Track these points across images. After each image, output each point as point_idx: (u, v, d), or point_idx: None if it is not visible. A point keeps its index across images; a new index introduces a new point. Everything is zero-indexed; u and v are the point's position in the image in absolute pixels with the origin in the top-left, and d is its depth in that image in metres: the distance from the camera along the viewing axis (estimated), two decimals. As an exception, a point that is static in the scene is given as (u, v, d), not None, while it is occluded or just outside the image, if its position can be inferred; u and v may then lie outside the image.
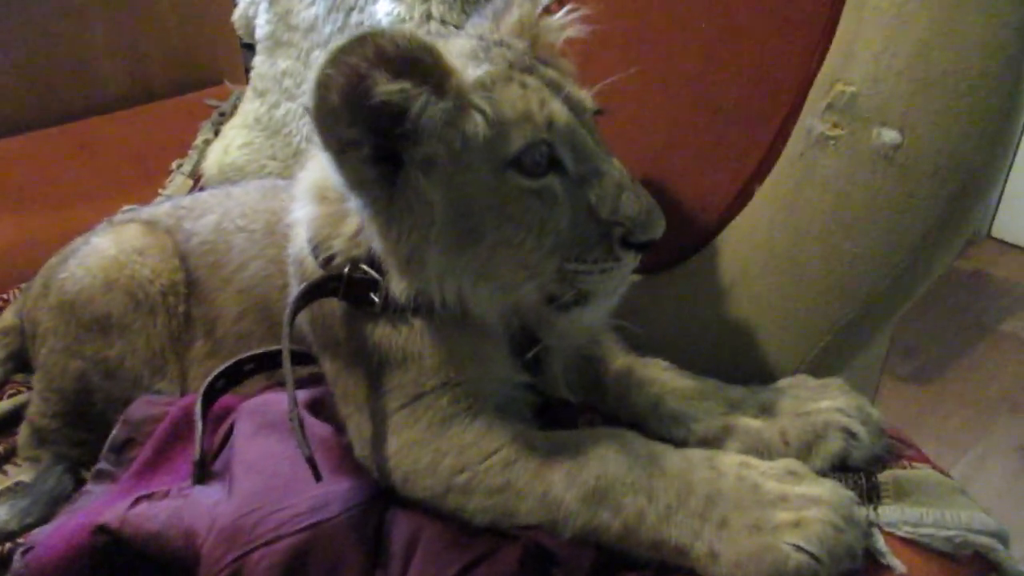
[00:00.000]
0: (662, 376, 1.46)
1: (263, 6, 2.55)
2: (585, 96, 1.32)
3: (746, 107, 1.54)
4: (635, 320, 1.59)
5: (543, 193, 1.24)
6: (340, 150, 1.16)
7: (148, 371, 1.73)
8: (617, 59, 1.64)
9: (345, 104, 1.11)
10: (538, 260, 1.27)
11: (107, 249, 1.76)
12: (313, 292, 1.35)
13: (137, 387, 1.72)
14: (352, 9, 2.19)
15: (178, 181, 2.64)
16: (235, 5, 2.71)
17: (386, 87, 1.11)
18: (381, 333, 1.35)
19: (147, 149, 2.68)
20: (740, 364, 1.52)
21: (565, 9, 1.43)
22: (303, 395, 1.47)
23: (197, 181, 2.65)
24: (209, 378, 1.50)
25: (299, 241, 1.45)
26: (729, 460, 1.23)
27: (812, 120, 1.42)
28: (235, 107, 2.76)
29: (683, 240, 1.62)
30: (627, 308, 1.50)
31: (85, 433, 1.76)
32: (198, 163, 2.66)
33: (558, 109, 1.24)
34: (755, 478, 1.19)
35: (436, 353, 1.33)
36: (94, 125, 2.70)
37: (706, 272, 1.58)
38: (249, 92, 2.62)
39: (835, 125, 1.39)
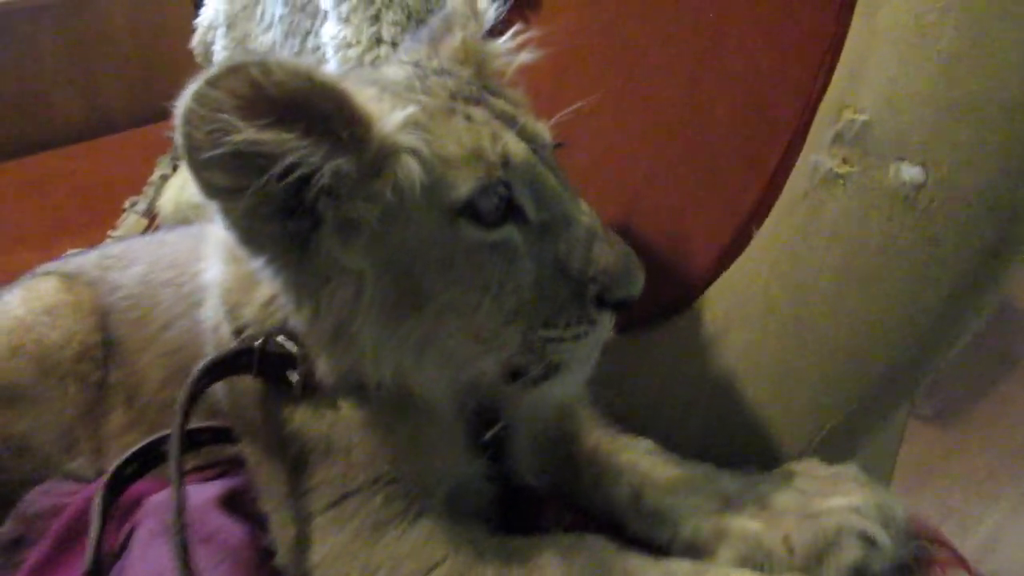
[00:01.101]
0: (643, 462, 1.23)
1: (220, 31, 2.36)
2: (542, 129, 1.12)
3: (740, 137, 1.32)
4: (614, 384, 1.36)
5: (501, 246, 1.02)
6: (220, 198, 0.95)
7: (58, 449, 1.51)
8: (587, 83, 1.43)
9: (212, 146, 0.90)
10: (497, 328, 1.04)
11: (14, 309, 1.55)
12: (218, 369, 1.13)
13: (47, 467, 1.50)
14: (308, 33, 1.99)
15: (131, 221, 2.44)
16: (194, 30, 2.53)
17: (248, 135, 0.89)
18: (302, 418, 1.13)
19: (99, 186, 2.48)
20: (735, 443, 1.29)
21: (512, 31, 1.21)
22: (217, 487, 1.25)
23: (152, 220, 2.45)
24: (117, 461, 1.28)
25: (211, 306, 1.23)
26: (724, 574, 0.99)
27: (818, 154, 1.20)
28: (196, 140, 2.56)
29: (667, 293, 1.40)
30: (604, 372, 1.27)
31: (-2, 523, 1.54)
32: (154, 201, 2.46)
33: (514, 144, 1.03)
34: None
35: (366, 443, 1.11)
36: (41, 161, 2.51)
37: (694, 331, 1.35)
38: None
39: (845, 160, 1.16)
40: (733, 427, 1.29)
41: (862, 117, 1.14)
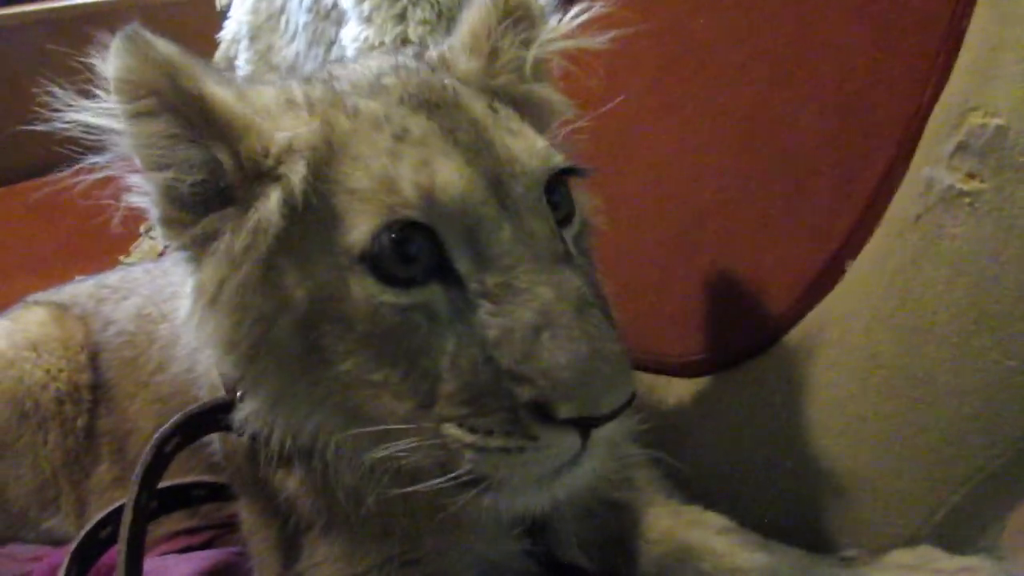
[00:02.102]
0: (717, 544, 1.01)
1: (243, 44, 2.22)
2: (525, 151, 0.84)
3: (830, 150, 1.11)
4: (677, 441, 1.15)
5: (415, 312, 0.79)
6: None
7: (36, 503, 1.34)
8: (644, 87, 1.22)
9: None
10: (409, 413, 0.80)
11: (-4, 341, 1.39)
12: (192, 426, 0.94)
13: (22, 524, 1.33)
14: (332, 43, 1.83)
15: (145, 246, 2.29)
16: (218, 44, 2.39)
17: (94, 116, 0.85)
18: (296, 484, 0.93)
19: (113, 210, 2.32)
20: (828, 520, 1.07)
21: (574, 11, 0.99)
22: (199, 560, 1.04)
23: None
24: (89, 524, 1.09)
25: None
26: None
27: (934, 169, 0.99)
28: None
29: (740, 335, 1.19)
30: (667, 425, 1.06)
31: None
32: (169, 226, 2.30)
33: (448, 176, 0.78)
34: None
35: (375, 518, 0.91)
36: (53, 183, 2.36)
37: (776, 380, 1.14)
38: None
39: (971, 175, 0.95)
40: (825, 499, 1.06)
41: (995, 122, 0.92)
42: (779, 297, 1.15)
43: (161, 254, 2.33)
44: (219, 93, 0.84)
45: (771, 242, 1.17)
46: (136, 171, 0.91)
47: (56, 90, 0.90)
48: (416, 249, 0.78)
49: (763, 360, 1.16)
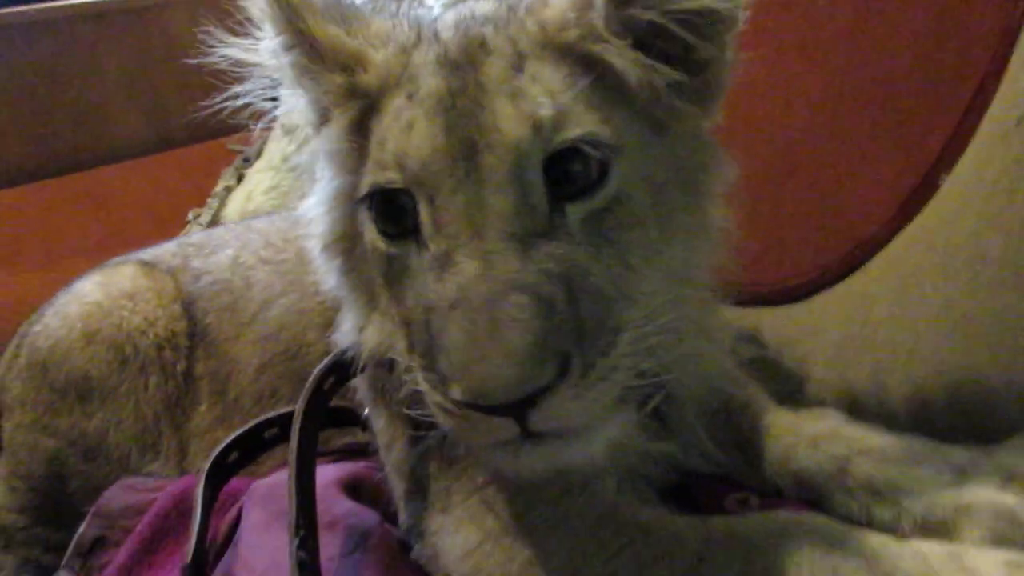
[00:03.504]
0: (846, 430, 1.03)
1: None
2: (509, 120, 0.81)
3: (923, 70, 1.16)
4: (779, 364, 1.18)
5: (395, 261, 0.87)
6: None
7: (137, 448, 1.35)
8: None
9: None
10: (403, 352, 0.89)
11: (90, 294, 1.41)
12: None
13: (123, 470, 1.34)
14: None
15: (194, 232, 2.31)
16: (261, 38, 2.43)
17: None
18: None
19: (160, 199, 2.37)
20: (942, 418, 1.09)
21: None
22: (339, 469, 1.06)
23: (214, 232, 2.33)
24: (218, 448, 1.10)
25: None
26: (990, 558, 0.80)
27: (1033, 72, 1.03)
28: (260, 152, 2.45)
29: (838, 253, 1.22)
30: (771, 343, 1.09)
31: (59, 533, 1.38)
32: (218, 212, 2.33)
33: (419, 141, 0.81)
34: None
35: None
36: (102, 174, 2.41)
37: (878, 290, 1.17)
38: (276, 130, 2.31)
39: (1075, 72, 0.99)
40: (938, 396, 1.09)
41: (1097, 20, 0.98)
42: (873, 216, 1.20)
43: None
44: (329, 31, 0.90)
45: (863, 164, 1.22)
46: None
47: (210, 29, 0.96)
48: (399, 209, 0.84)
49: (860, 276, 1.20)
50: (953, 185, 1.13)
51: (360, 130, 0.90)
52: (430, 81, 0.84)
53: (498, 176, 0.79)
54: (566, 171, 0.81)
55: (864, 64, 1.21)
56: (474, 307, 0.73)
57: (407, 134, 0.82)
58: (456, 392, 0.73)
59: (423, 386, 0.80)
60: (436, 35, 0.90)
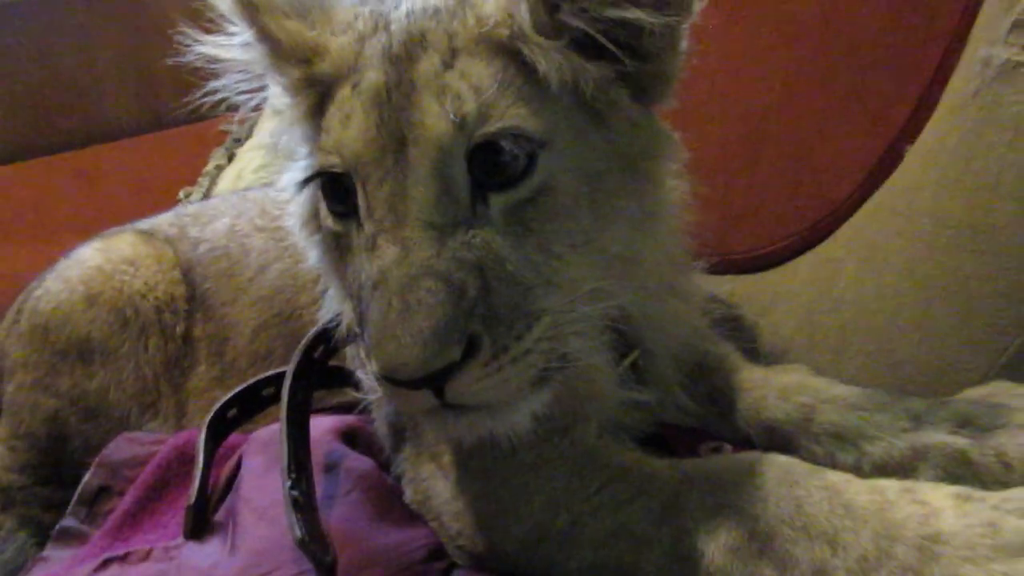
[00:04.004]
0: (812, 381, 1.09)
1: (283, 15, 2.30)
2: (432, 117, 0.85)
3: (888, 45, 1.23)
4: (754, 326, 1.24)
5: (341, 239, 0.95)
6: None
7: (137, 407, 1.40)
8: None
9: None
10: (354, 322, 0.97)
11: (91, 259, 1.46)
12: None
13: (122, 429, 1.39)
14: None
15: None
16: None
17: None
18: None
19: (152, 178, 2.41)
20: (903, 369, 1.16)
21: None
22: (334, 420, 1.12)
23: (207, 209, 2.37)
24: (218, 403, 1.16)
25: None
26: (940, 492, 0.86)
27: (990, 47, 1.10)
28: (251, 132, 2.49)
29: (807, 221, 1.29)
30: (746, 309, 1.16)
31: (59, 492, 1.42)
32: (209, 191, 2.38)
33: (353, 133, 0.87)
34: (987, 514, 0.82)
35: None
36: (95, 153, 2.44)
37: (846, 258, 1.25)
38: (267, 110, 2.35)
39: (1026, 48, 1.05)
40: (900, 351, 1.16)
41: (1048, -2, 1.04)
42: (842, 184, 1.27)
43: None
44: (288, 27, 0.97)
45: (832, 136, 1.28)
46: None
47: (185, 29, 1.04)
48: (344, 190, 0.90)
49: (830, 243, 1.27)
50: (915, 155, 1.20)
51: (320, 113, 0.95)
52: (371, 75, 0.90)
53: (421, 169, 0.84)
54: (493, 162, 0.86)
55: (834, 41, 1.28)
56: (391, 289, 0.79)
57: (346, 125, 0.88)
58: (374, 365, 0.80)
59: (361, 355, 0.87)
60: (387, 26, 0.94)
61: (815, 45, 1.29)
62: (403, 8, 0.97)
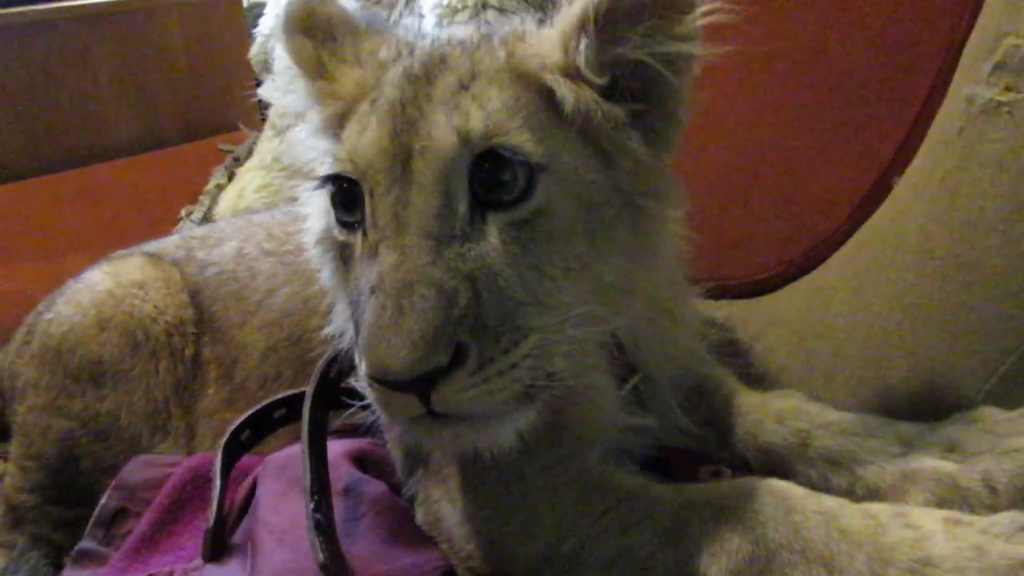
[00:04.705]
0: (807, 407, 1.14)
1: (283, 38, 2.34)
2: (440, 130, 0.89)
3: (877, 82, 1.28)
4: (749, 351, 1.29)
5: (346, 249, 1.00)
6: None
7: (147, 429, 1.42)
8: (706, 33, 1.39)
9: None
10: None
11: (101, 283, 1.48)
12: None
13: (133, 450, 1.41)
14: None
15: (187, 229, 2.38)
16: (252, 41, 2.51)
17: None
18: None
19: (153, 196, 2.44)
20: (894, 398, 1.21)
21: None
22: (345, 444, 1.15)
23: (208, 229, 2.40)
24: (232, 426, 1.19)
25: None
26: (930, 516, 0.91)
27: (974, 87, 1.15)
28: (251, 151, 2.53)
29: (800, 249, 1.34)
30: (741, 333, 1.20)
31: (70, 511, 1.44)
32: (210, 209, 2.41)
33: (367, 142, 0.92)
34: (976, 538, 0.86)
35: None
36: (96, 172, 2.47)
37: (837, 282, 1.29)
38: (267, 130, 2.39)
39: (1008, 88, 1.11)
40: (889, 378, 1.21)
41: (1028, 41, 1.10)
42: (833, 215, 1.31)
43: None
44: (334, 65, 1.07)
45: (824, 168, 1.33)
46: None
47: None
48: (353, 200, 0.94)
49: (822, 270, 1.32)
50: (904, 187, 1.25)
51: (341, 127, 1.02)
52: (389, 91, 0.95)
53: (425, 180, 0.88)
54: (495, 180, 0.89)
55: (825, 78, 1.33)
56: (386, 293, 0.82)
57: (362, 135, 0.93)
58: (364, 366, 0.83)
59: (356, 361, 0.90)
60: (411, 51, 1.02)
61: (806, 81, 1.34)
62: (429, 38, 1.06)
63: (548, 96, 0.95)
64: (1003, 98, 1.12)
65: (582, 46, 0.94)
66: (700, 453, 1.18)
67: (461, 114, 0.89)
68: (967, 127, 1.16)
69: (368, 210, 0.91)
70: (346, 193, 0.94)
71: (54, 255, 2.26)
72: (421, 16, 1.69)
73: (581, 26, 0.94)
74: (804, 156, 1.35)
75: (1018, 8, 1.12)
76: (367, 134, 0.92)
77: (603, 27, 0.93)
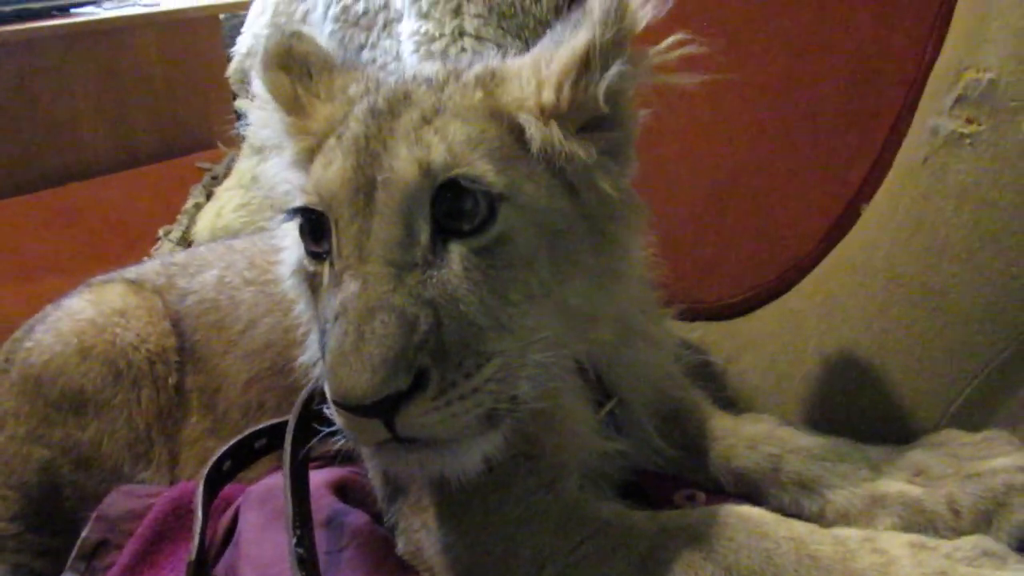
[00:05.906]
0: (779, 432, 1.17)
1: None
2: (402, 162, 0.91)
3: (845, 112, 1.31)
4: (720, 373, 1.32)
5: (314, 278, 1.02)
6: None
7: (129, 458, 1.42)
8: (681, 64, 1.42)
9: None
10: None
11: (82, 311, 1.49)
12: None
13: (115, 478, 1.41)
14: (363, 47, 1.97)
15: (165, 248, 2.37)
16: (229, 59, 2.51)
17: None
18: None
19: (131, 215, 2.43)
20: (861, 418, 1.24)
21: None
22: (327, 473, 1.17)
23: (188, 248, 2.39)
24: (214, 457, 1.21)
25: None
26: (897, 541, 0.94)
27: (937, 118, 1.19)
28: (229, 170, 2.53)
29: (770, 275, 1.37)
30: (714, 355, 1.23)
31: (51, 539, 1.44)
32: (188, 228, 2.40)
33: (332, 175, 0.94)
34: (939, 563, 0.90)
35: None
36: (72, 191, 2.46)
37: (807, 308, 1.32)
38: (245, 149, 2.39)
39: (970, 120, 1.15)
40: (858, 401, 1.24)
41: (988, 75, 1.13)
42: (804, 239, 1.35)
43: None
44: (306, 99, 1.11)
45: (796, 193, 1.36)
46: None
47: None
48: (320, 231, 0.96)
49: (793, 295, 1.35)
50: (871, 214, 1.28)
51: (311, 162, 1.04)
52: (354, 126, 0.98)
53: (387, 210, 0.90)
54: (456, 209, 0.91)
55: (798, 103, 1.36)
56: (348, 319, 0.84)
57: (327, 168, 0.95)
58: (328, 391, 0.85)
59: (324, 387, 0.90)
60: (377, 88, 1.05)
61: (777, 108, 1.37)
62: (395, 76, 1.10)
63: (519, 132, 0.97)
64: (965, 130, 1.16)
65: (585, 83, 0.96)
66: (675, 477, 1.21)
67: (423, 147, 0.92)
68: (931, 157, 1.20)
69: (334, 240, 0.93)
70: (314, 225, 0.97)
71: (31, 276, 2.25)
72: (399, 41, 1.71)
73: (584, 63, 0.96)
74: (776, 183, 1.39)
75: (978, 43, 1.16)
76: (332, 167, 0.94)
77: (604, 62, 0.96)
